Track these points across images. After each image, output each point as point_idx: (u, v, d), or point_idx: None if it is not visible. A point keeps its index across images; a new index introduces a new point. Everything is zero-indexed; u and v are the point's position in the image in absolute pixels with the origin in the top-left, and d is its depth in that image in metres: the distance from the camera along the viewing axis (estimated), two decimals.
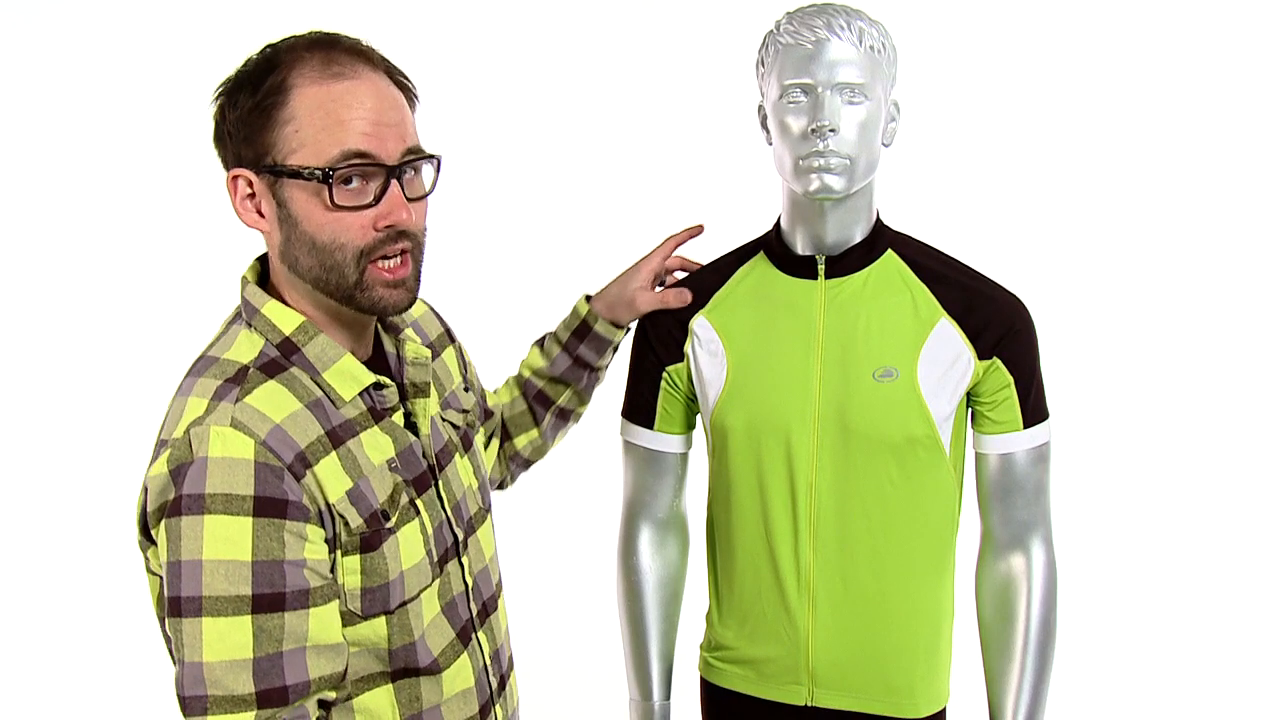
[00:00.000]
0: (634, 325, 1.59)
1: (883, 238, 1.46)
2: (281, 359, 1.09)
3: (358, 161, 1.05)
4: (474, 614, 1.23)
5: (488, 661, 1.25)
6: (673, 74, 3.53)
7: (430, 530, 1.17)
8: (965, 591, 1.55)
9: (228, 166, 1.10)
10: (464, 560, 1.23)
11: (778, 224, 1.50)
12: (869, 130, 1.36)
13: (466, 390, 1.38)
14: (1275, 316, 3.47)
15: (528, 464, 1.61)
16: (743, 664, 1.54)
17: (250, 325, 1.11)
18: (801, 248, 1.46)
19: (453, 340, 1.41)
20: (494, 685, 1.26)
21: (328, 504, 1.05)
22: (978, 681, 1.54)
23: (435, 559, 1.17)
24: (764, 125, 1.45)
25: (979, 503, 1.52)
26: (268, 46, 1.09)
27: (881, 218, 1.48)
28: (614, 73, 3.58)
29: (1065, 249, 3.50)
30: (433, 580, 1.17)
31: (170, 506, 1.00)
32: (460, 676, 1.19)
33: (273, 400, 1.05)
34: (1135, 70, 3.45)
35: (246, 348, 1.09)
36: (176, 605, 1.00)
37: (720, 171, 3.31)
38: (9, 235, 3.61)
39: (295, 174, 1.04)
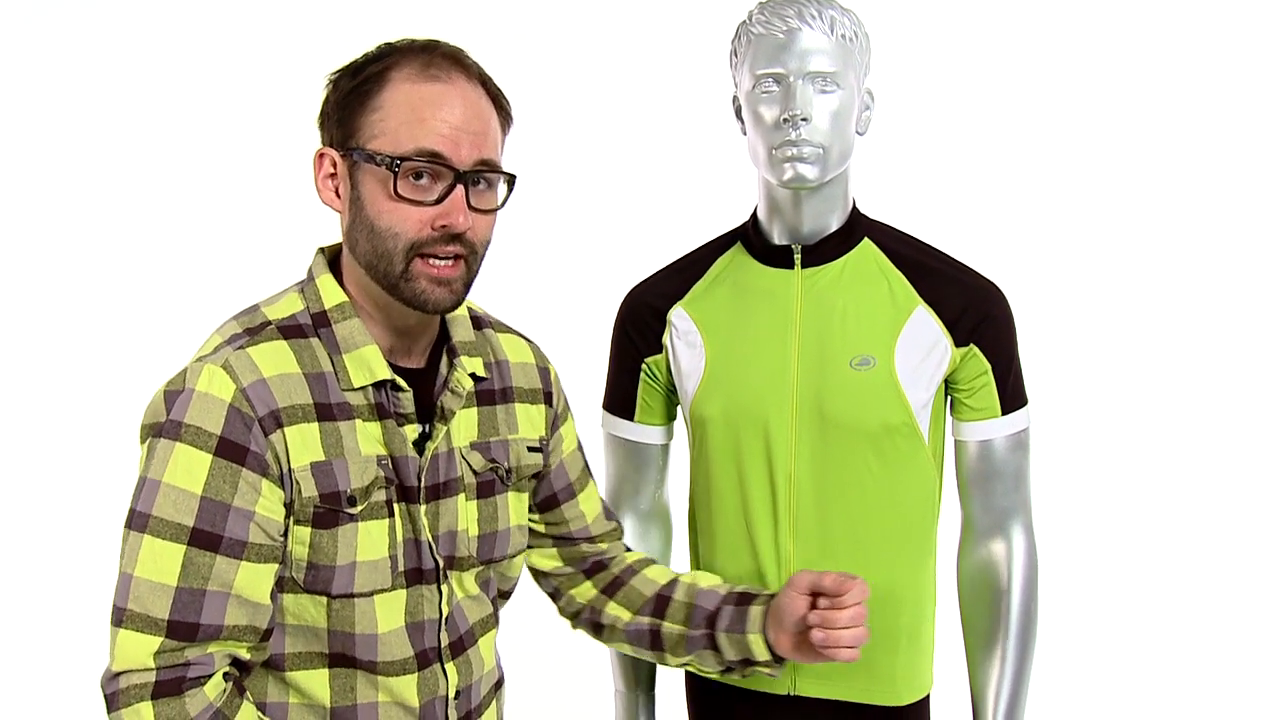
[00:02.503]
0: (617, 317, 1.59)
1: (859, 226, 1.47)
2: (308, 327, 1.14)
3: (428, 160, 1.08)
4: (441, 644, 1.20)
5: (451, 694, 1.21)
6: (649, 65, 3.53)
7: (400, 538, 1.16)
8: (948, 579, 1.56)
9: (321, 143, 1.16)
10: (443, 589, 1.20)
11: (754, 214, 1.50)
12: (842, 119, 1.37)
13: (531, 450, 1.32)
14: (1256, 304, 3.48)
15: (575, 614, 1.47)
16: None
17: (302, 290, 1.18)
18: (778, 237, 1.46)
19: (550, 405, 1.36)
20: (451, 718, 1.22)
21: (290, 468, 1.09)
22: (961, 668, 1.54)
23: (400, 569, 1.16)
24: (738, 116, 1.45)
25: (959, 490, 1.52)
26: (384, 43, 1.15)
27: (858, 206, 1.48)
28: (590, 65, 3.58)
29: (1043, 236, 3.50)
30: (392, 588, 1.15)
31: (155, 428, 1.07)
32: (406, 691, 1.17)
33: (271, 358, 1.10)
34: (1111, 55, 3.45)
35: (285, 307, 1.16)
36: (130, 517, 1.06)
37: (697, 163, 3.31)
38: (12, 231, 3.62)
39: (369, 158, 1.09)
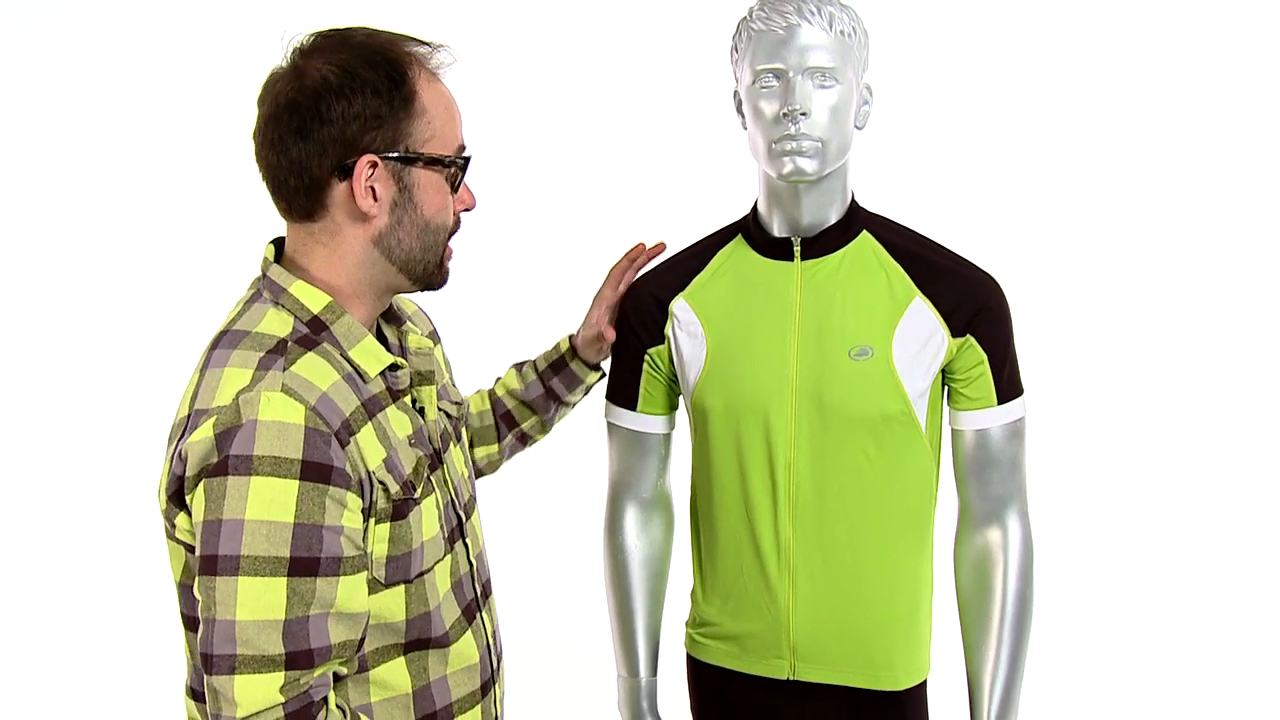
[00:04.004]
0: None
1: (858, 219, 1.49)
2: (312, 335, 1.12)
3: (467, 154, 1.18)
4: (477, 594, 1.28)
5: (490, 641, 1.29)
6: (650, 61, 3.53)
7: (441, 506, 1.22)
8: (945, 566, 1.58)
9: (330, 151, 1.09)
10: (466, 542, 1.28)
11: (755, 207, 1.52)
12: (840, 113, 1.39)
13: (454, 386, 1.42)
14: (1249, 296, 3.49)
15: (478, 474, 1.63)
16: (726, 639, 1.57)
17: (278, 304, 1.14)
18: (778, 230, 1.48)
19: (438, 340, 1.45)
20: (494, 665, 1.30)
21: (368, 472, 1.09)
22: (958, 654, 1.57)
23: (445, 535, 1.22)
24: (739, 110, 1.47)
25: (956, 478, 1.54)
26: (333, 34, 1.12)
27: (857, 199, 1.50)
28: (592, 60, 3.58)
29: (1040, 228, 3.51)
30: (444, 555, 1.21)
31: (214, 468, 1.02)
32: (466, 651, 1.23)
33: (316, 370, 1.09)
34: (1108, 47, 3.46)
35: (278, 324, 1.12)
36: (212, 563, 1.02)
37: (698, 156, 3.32)
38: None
39: (436, 161, 1.14)
